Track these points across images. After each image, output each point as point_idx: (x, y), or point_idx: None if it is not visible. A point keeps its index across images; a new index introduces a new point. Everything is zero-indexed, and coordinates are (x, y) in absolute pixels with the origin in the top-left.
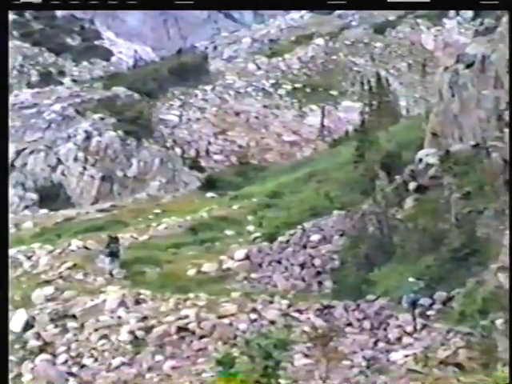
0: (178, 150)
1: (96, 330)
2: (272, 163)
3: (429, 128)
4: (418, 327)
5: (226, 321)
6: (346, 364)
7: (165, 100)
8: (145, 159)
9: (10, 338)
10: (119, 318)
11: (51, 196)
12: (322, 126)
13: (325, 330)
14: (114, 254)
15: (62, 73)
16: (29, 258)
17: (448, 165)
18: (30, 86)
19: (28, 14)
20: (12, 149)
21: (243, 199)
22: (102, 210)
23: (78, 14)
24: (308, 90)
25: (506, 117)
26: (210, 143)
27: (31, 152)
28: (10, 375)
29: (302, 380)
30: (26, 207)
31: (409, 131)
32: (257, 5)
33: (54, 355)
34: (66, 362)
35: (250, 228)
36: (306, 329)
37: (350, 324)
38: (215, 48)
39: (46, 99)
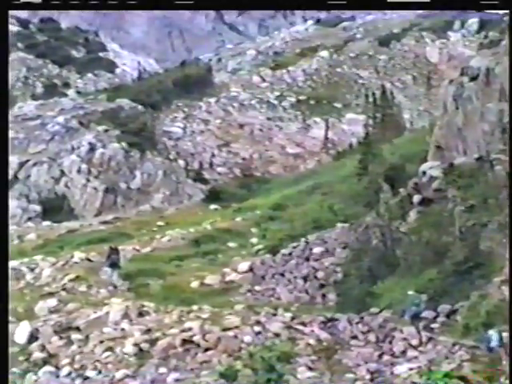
0: (181, 162)
1: (101, 342)
2: (276, 175)
3: (433, 141)
4: (423, 340)
5: (230, 333)
6: (350, 377)
7: (169, 112)
8: (148, 171)
9: (14, 349)
10: (123, 330)
11: (54, 208)
12: (326, 138)
13: (329, 343)
14: (114, 265)
15: (66, 85)
16: (32, 269)
17: (452, 178)
18: (34, 97)
19: (32, 26)
20: (15, 160)
21: (247, 211)
22: (105, 222)
23: (83, 25)
24: (312, 102)
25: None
26: (213, 155)
27: (35, 164)
28: None
29: None
30: (30, 219)
31: (413, 144)
32: (256, 5)
33: (58, 367)
34: (69, 374)
35: (254, 240)
36: (310, 341)
37: (354, 337)
38: (219, 60)
39: (50, 111)
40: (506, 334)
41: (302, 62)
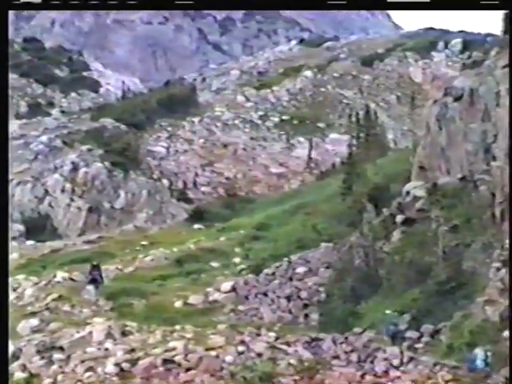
0: (165, 182)
1: (82, 361)
2: (259, 195)
3: (416, 161)
4: (405, 360)
5: (212, 353)
6: None
7: (152, 132)
8: (132, 191)
9: None
10: (106, 349)
11: (38, 227)
12: (310, 158)
13: (311, 363)
14: (95, 281)
15: (50, 104)
16: (14, 289)
17: (435, 197)
18: (18, 116)
19: (16, 45)
20: None
21: (231, 231)
22: (88, 242)
23: (67, 45)
24: (296, 122)
25: (494, 150)
26: (197, 175)
27: (18, 183)
28: None
29: None
30: (13, 238)
31: (396, 164)
32: (256, 5)
33: None
34: None
35: (237, 260)
36: (293, 361)
37: (336, 357)
38: (203, 80)
39: (34, 130)
40: (490, 353)
41: (286, 81)
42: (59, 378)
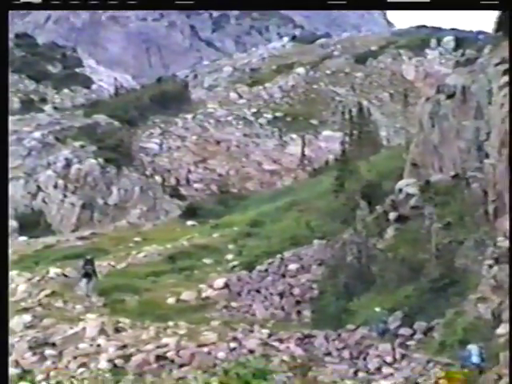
0: (158, 178)
1: (75, 357)
2: (252, 192)
3: (409, 158)
4: (398, 357)
5: (205, 349)
6: None
7: (145, 128)
8: (125, 187)
9: None
10: (98, 346)
11: (31, 223)
12: (303, 155)
13: (304, 360)
14: (88, 275)
15: (43, 100)
16: None
17: (428, 195)
18: (11, 113)
19: (9, 42)
20: None
21: (224, 228)
22: (82, 238)
23: (60, 41)
24: (289, 118)
25: (486, 147)
26: (190, 171)
27: (11, 179)
28: None
29: None
30: None
31: (389, 161)
32: (256, 5)
33: (33, 383)
34: None
35: (229, 256)
36: (286, 358)
37: (329, 353)
38: (196, 76)
39: (27, 126)
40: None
41: (279, 78)
42: (52, 373)
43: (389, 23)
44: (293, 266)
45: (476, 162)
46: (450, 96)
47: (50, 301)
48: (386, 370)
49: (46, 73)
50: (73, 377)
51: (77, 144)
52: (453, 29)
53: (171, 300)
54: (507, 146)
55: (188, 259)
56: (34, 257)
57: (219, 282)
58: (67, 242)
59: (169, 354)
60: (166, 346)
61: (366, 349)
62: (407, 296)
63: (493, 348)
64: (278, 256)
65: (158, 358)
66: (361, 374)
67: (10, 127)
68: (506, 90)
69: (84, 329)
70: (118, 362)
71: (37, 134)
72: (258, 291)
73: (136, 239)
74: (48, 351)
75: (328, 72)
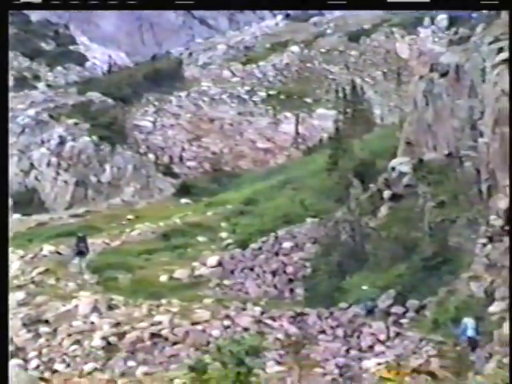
0: (151, 156)
1: (69, 335)
2: (246, 170)
3: (402, 137)
4: (391, 335)
5: (199, 327)
6: (319, 371)
7: (139, 106)
8: (118, 165)
9: None
10: (92, 323)
11: (25, 201)
12: (297, 133)
13: (297, 338)
14: (81, 253)
15: (36, 77)
16: None
17: (422, 174)
18: None
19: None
20: None
21: (217, 206)
22: (75, 216)
23: (53, 18)
24: (283, 97)
25: (480, 126)
26: (183, 150)
27: None
28: None
29: None
30: None
31: (383, 140)
32: (257, 5)
33: (26, 360)
34: (37, 367)
35: (223, 234)
36: (279, 336)
37: (322, 331)
38: (190, 54)
39: (20, 104)
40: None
41: (273, 56)
42: (45, 351)
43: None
44: (286, 244)
45: (470, 140)
46: (444, 74)
47: (43, 278)
48: (378, 348)
49: (39, 50)
50: (66, 354)
51: (70, 122)
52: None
53: (164, 278)
54: (501, 124)
55: (181, 237)
56: (28, 234)
57: (212, 260)
58: (60, 219)
59: (163, 332)
60: (159, 323)
61: (359, 327)
62: (400, 274)
63: (485, 326)
64: (272, 234)
65: (152, 335)
66: (353, 352)
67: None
68: (500, 69)
69: (77, 306)
70: (112, 339)
71: (30, 112)
72: (251, 269)
73: (129, 217)
74: (42, 329)
75: (322, 50)
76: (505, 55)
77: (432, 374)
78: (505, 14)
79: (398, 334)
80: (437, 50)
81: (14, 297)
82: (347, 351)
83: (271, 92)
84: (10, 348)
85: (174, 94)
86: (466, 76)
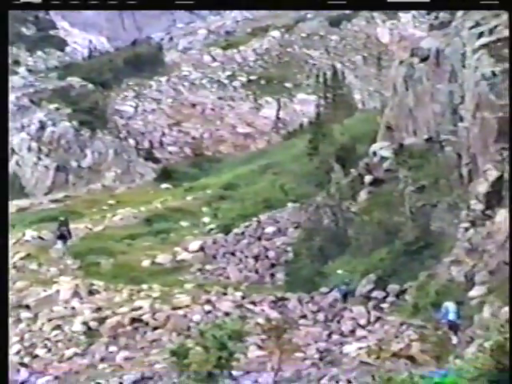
0: (132, 141)
1: (49, 320)
2: (226, 155)
3: (383, 121)
4: (372, 320)
5: (179, 312)
6: (299, 356)
7: (120, 91)
8: (99, 150)
9: None
10: (73, 308)
11: None
12: (277, 118)
13: (278, 322)
14: (64, 237)
15: (16, 62)
16: None
17: (402, 158)
18: None
19: None
20: None
21: (198, 191)
22: (56, 201)
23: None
24: (263, 82)
25: (461, 111)
26: (164, 134)
27: None
28: None
29: (255, 371)
30: None
31: (363, 124)
32: (255, 5)
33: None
34: (18, 352)
35: (205, 219)
36: (260, 320)
37: (303, 316)
38: (171, 39)
39: None
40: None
41: (253, 41)
42: (26, 336)
43: None
44: (269, 229)
45: (450, 125)
46: (424, 59)
47: (25, 263)
48: (359, 332)
49: (19, 35)
50: (47, 339)
51: (51, 106)
52: None
53: (146, 263)
54: (481, 109)
55: (164, 222)
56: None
57: (194, 245)
58: (41, 204)
59: (144, 317)
60: (140, 308)
61: (340, 311)
62: (381, 259)
63: (465, 310)
64: (255, 219)
65: (133, 320)
66: (334, 337)
67: None
68: (480, 53)
69: (58, 291)
70: (93, 324)
71: (11, 97)
72: (233, 254)
73: (110, 202)
74: (23, 314)
75: (303, 35)
76: (485, 40)
77: (412, 358)
78: None
79: (378, 319)
80: (417, 34)
81: None
82: (328, 336)
83: (252, 77)
84: None
85: (155, 78)
86: (447, 61)
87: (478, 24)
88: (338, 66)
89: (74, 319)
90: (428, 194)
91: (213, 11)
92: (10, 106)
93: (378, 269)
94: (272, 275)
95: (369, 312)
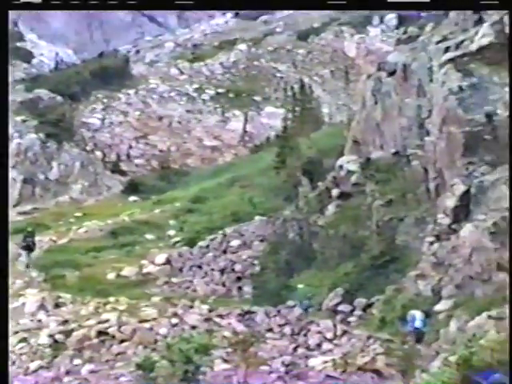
0: (98, 154)
1: (15, 333)
2: (193, 168)
3: (350, 135)
4: (338, 333)
5: (146, 325)
6: (265, 369)
7: (88, 103)
8: (65, 162)
9: None
10: (39, 321)
11: None
12: (244, 131)
13: (245, 336)
14: (29, 248)
15: None
16: None
17: (369, 172)
18: None
19: None
20: None
21: (166, 203)
22: (23, 213)
23: None
24: (231, 95)
25: (427, 125)
26: (131, 147)
27: None
28: None
29: None
30: None
31: (331, 138)
32: (256, 5)
33: None
34: None
35: (171, 232)
36: (227, 334)
37: (270, 329)
38: (138, 52)
39: None
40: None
41: (220, 54)
42: None
43: None
44: (234, 243)
45: (417, 139)
46: (392, 73)
47: None
48: (325, 346)
49: None
50: (12, 352)
51: (18, 118)
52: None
53: (112, 275)
54: (448, 123)
55: (129, 235)
56: None
57: (160, 258)
58: None
59: (110, 330)
60: (106, 321)
61: (307, 325)
62: (347, 273)
63: (432, 324)
64: (220, 232)
65: (99, 333)
66: (300, 350)
67: None
68: (447, 68)
69: (24, 304)
70: (59, 337)
71: None
72: (199, 267)
73: (77, 214)
74: None
75: (270, 48)
76: (451, 54)
77: (378, 372)
78: (453, 14)
79: (345, 332)
80: (385, 48)
81: None
82: (294, 349)
83: (220, 90)
84: None
85: (123, 91)
86: (414, 75)
87: (445, 38)
88: (306, 79)
89: (39, 332)
90: (395, 208)
91: (181, 24)
92: None
93: (344, 282)
94: (239, 288)
95: (335, 326)
